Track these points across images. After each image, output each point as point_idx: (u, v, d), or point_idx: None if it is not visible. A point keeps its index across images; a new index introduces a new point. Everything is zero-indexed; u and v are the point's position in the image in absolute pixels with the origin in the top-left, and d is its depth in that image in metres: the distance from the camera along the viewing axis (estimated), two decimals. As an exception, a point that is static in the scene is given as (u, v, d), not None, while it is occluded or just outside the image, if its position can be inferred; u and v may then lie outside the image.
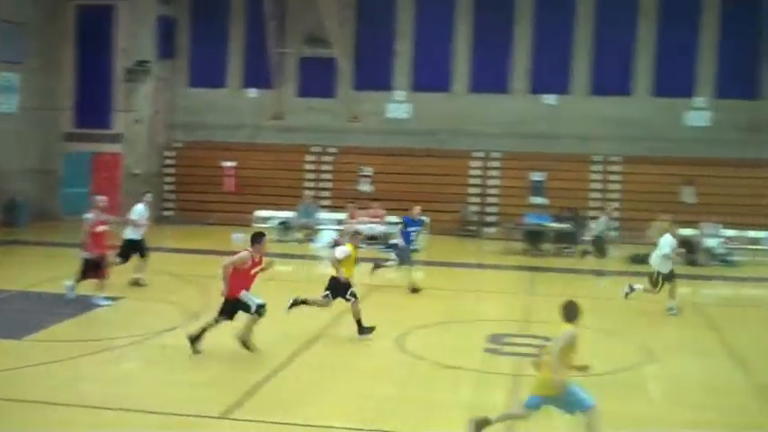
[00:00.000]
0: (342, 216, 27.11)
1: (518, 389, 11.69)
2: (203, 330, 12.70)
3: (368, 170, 30.83)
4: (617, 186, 29.74)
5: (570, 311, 9.12)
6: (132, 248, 17.95)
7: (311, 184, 31.12)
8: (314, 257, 24.72)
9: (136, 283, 17.78)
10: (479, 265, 24.25)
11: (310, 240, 26.63)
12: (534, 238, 26.31)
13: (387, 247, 22.22)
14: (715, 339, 15.30)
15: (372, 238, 25.37)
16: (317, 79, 31.67)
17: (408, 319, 15.86)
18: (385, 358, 13.18)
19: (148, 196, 18.87)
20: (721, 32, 29.65)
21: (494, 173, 30.62)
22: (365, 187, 30.60)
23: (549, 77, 30.52)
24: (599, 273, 22.02)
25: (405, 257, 19.04)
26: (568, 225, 26.41)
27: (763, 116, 29.14)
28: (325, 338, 14.19)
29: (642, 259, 24.11)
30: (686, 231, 25.64)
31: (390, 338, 14.07)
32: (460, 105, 30.96)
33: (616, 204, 27.72)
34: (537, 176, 29.83)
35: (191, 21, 32.59)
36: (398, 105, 31.42)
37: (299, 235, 27.09)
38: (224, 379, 11.73)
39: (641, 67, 30.26)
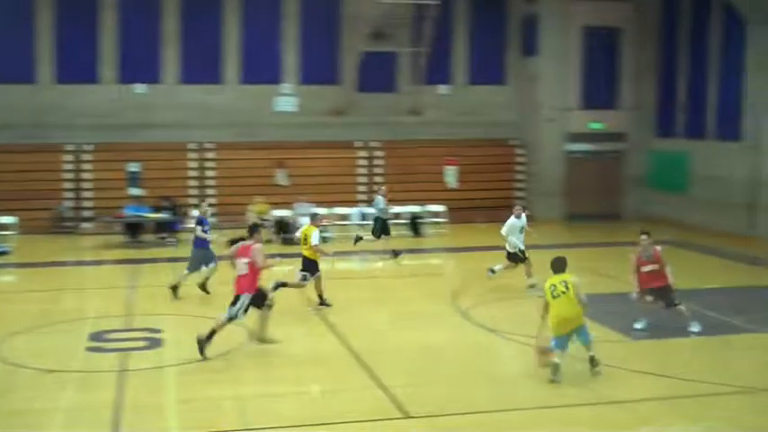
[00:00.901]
0: None
1: (124, 383, 11.64)
2: (213, 332, 12.75)
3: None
4: (213, 173, 30.21)
5: (563, 263, 12.07)
6: None
7: None
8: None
9: None
10: (78, 263, 23.44)
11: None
12: (134, 229, 26.16)
13: None
14: (313, 313, 16.23)
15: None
16: None
17: (2, 325, 15.05)
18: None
19: None
20: (303, 22, 31.19)
21: (87, 166, 29.58)
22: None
23: (139, 67, 30.12)
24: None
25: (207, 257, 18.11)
26: (167, 214, 26.48)
27: (343, 100, 31.19)
28: None
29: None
30: (281, 212, 26.92)
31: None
32: (47, 97, 29.51)
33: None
34: (133, 167, 29.35)
35: None
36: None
37: None
38: None
39: (229, 56, 30.89)
